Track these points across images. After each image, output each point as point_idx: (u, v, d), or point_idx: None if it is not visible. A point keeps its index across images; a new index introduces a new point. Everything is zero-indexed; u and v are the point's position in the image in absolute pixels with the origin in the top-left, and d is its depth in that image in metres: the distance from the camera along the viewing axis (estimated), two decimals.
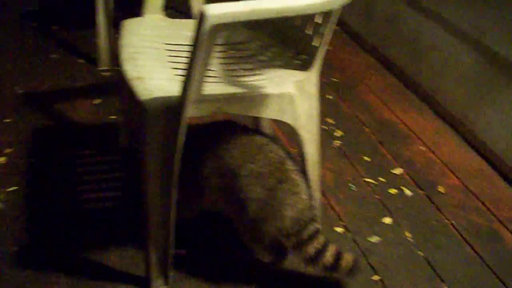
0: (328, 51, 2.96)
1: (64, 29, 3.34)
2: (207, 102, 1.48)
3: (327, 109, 2.64)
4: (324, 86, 2.83)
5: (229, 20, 1.29)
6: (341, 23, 3.45)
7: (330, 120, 2.57)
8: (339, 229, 1.98)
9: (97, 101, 2.67)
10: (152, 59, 1.74)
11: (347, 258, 1.64)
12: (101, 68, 2.95)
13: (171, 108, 1.45)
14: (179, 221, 1.62)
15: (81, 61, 3.03)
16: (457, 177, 2.24)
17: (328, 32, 1.56)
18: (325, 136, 2.46)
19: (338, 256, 1.63)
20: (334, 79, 2.91)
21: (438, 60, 2.61)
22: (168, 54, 1.80)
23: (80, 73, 2.92)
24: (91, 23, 2.84)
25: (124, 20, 1.94)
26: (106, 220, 1.97)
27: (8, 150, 2.30)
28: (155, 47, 1.82)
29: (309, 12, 1.44)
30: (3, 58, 3.02)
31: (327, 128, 2.52)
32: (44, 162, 2.26)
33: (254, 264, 1.83)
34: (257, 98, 1.54)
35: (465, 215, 2.05)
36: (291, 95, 1.58)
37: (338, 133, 2.49)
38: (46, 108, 2.61)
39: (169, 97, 1.47)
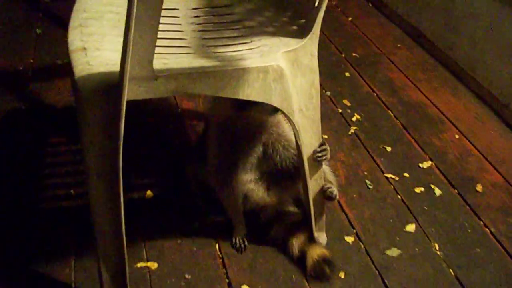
0: (349, 23, 2.68)
1: (55, 1, 3.14)
2: (162, 80, 1.17)
3: (344, 89, 2.49)
4: (343, 62, 2.69)
5: None
6: None
7: (346, 102, 2.38)
8: (349, 239, 1.74)
9: None
10: (108, 26, 1.46)
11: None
12: None
13: (113, 88, 1.13)
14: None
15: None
16: (499, 172, 2.01)
17: None
18: (339, 122, 2.29)
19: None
20: (355, 54, 2.75)
21: (476, 30, 2.44)
22: None
23: (64, 49, 2.65)
24: None
25: None
26: (62, 224, 1.76)
27: None
28: (115, 11, 1.53)
29: None
30: None
31: (342, 112, 2.31)
32: (6, 151, 2.04)
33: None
34: (232, 73, 1.23)
35: (508, 221, 1.81)
36: (279, 69, 1.27)
37: (355, 117, 2.29)
38: (22, 88, 2.39)
39: (113, 73, 1.17)
